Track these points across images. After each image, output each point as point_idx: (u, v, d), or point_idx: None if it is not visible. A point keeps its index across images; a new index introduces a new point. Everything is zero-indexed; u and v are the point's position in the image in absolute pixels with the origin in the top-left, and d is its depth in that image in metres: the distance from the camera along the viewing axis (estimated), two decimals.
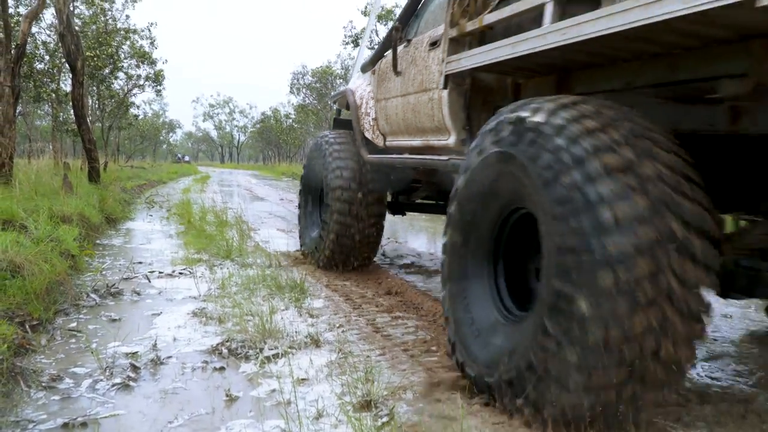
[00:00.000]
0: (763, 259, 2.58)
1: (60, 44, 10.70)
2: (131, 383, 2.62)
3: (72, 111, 11.84)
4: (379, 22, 16.54)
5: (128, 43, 21.95)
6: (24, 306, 3.31)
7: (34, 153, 20.86)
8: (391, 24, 4.52)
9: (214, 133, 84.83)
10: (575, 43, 2.23)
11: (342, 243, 5.03)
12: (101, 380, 2.63)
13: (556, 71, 2.95)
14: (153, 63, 24.59)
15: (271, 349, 3.03)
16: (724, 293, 2.55)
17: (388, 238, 7.20)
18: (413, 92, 4.09)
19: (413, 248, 6.97)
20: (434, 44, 3.77)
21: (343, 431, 2.21)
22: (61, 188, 7.50)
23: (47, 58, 17.65)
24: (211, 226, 7.25)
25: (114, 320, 3.54)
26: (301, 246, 5.90)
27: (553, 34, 2.34)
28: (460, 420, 2.19)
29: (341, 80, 34.06)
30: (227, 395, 2.52)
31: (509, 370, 2.26)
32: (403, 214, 5.88)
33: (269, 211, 10.82)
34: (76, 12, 17.31)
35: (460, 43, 3.29)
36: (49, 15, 17.38)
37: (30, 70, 16.37)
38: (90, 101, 21.33)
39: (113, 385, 2.59)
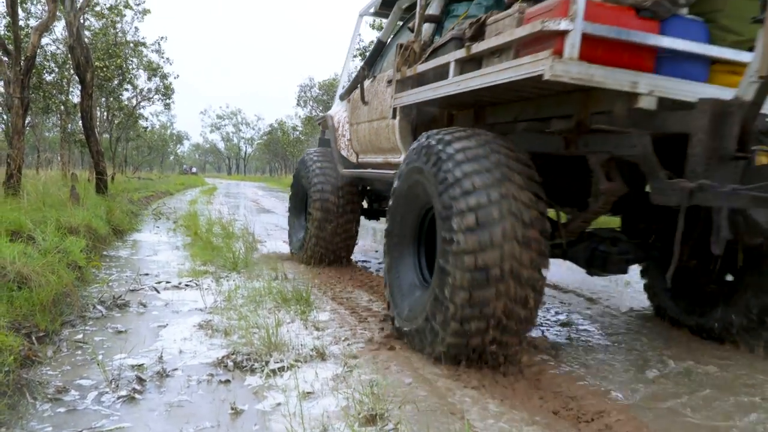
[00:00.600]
0: (612, 245, 3.78)
1: (69, 56, 10.79)
2: (137, 396, 2.62)
3: (80, 122, 11.92)
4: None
5: (137, 56, 22.11)
6: (31, 317, 3.32)
7: (42, 164, 21.01)
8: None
9: (221, 145, 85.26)
10: (468, 91, 3.24)
11: (321, 245, 5.96)
12: (107, 392, 2.63)
13: (472, 107, 4.00)
14: (164, 77, 24.78)
15: (277, 362, 3.03)
16: (589, 271, 3.88)
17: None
18: (376, 119, 5.04)
19: None
20: (389, 82, 4.57)
21: None
22: (69, 199, 7.53)
23: (56, 69, 17.79)
24: (217, 238, 7.26)
25: (120, 332, 3.55)
26: (289, 245, 6.82)
27: (452, 85, 3.39)
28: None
29: None
30: (233, 408, 2.52)
31: (418, 322, 3.26)
32: (378, 219, 6.71)
33: (276, 224, 10.83)
34: (86, 24, 17.45)
35: (403, 84, 4.19)
36: (59, 27, 17.57)
37: (39, 82, 16.51)
38: (98, 113, 21.47)
39: (119, 398, 2.58)
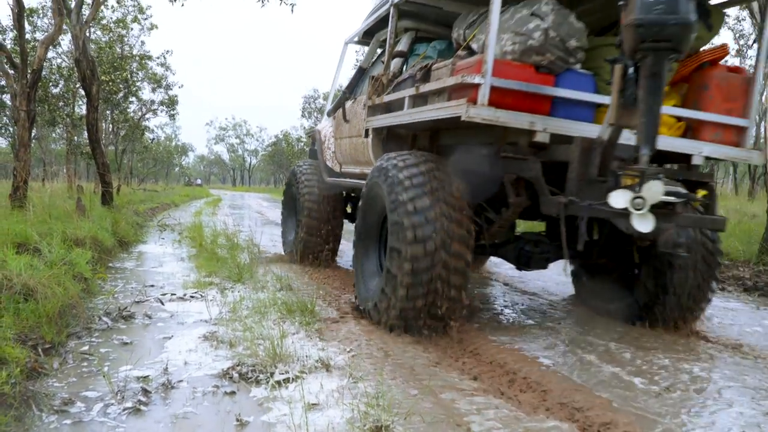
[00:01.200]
0: (535, 246, 4.67)
1: (75, 69, 10.86)
2: (142, 407, 2.62)
3: (86, 134, 11.99)
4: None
5: (143, 69, 22.22)
6: (37, 329, 3.32)
7: (48, 176, 21.11)
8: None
9: (226, 156, 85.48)
10: (421, 121, 4.12)
11: (308, 246, 6.76)
12: (112, 404, 2.63)
13: (429, 130, 4.72)
14: (168, 87, 24.90)
15: (282, 374, 3.03)
16: (517, 267, 4.84)
17: None
18: (355, 135, 5.72)
19: None
20: (365, 105, 5.26)
21: None
22: (75, 211, 7.56)
23: (62, 82, 17.90)
24: (222, 249, 7.27)
25: (126, 344, 3.55)
26: (283, 246, 7.74)
27: (407, 115, 4.27)
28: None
29: None
30: (238, 420, 2.52)
31: (374, 299, 4.13)
32: None
33: (281, 234, 10.83)
34: (93, 37, 17.57)
35: (374, 109, 5.02)
36: (65, 41, 17.69)
37: (45, 95, 16.61)
38: (104, 125, 21.58)
39: (124, 409, 2.59)
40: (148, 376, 3.00)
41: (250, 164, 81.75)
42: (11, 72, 8.86)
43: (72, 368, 3.08)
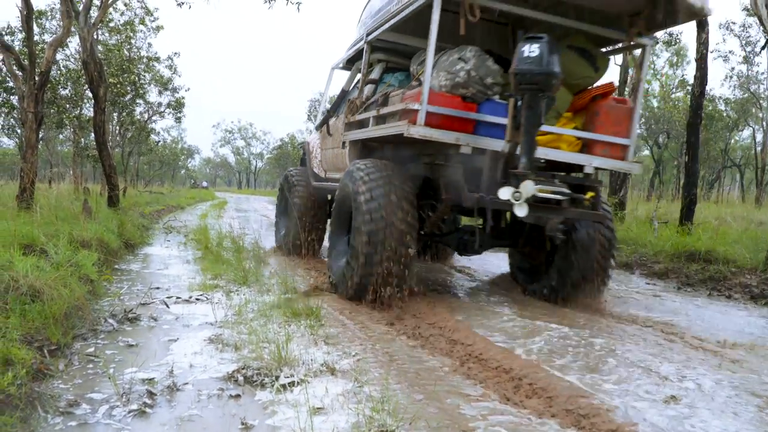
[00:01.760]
0: (472, 236, 5.73)
1: (83, 71, 10.90)
2: (147, 410, 2.62)
3: (93, 136, 12.02)
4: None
5: (150, 71, 22.29)
6: (43, 330, 3.33)
7: (55, 178, 21.18)
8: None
9: (231, 159, 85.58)
10: (380, 136, 5.25)
11: (297, 240, 7.62)
12: (118, 406, 2.64)
13: (392, 142, 5.70)
14: (175, 90, 24.96)
15: (287, 377, 3.02)
16: (457, 252, 6.07)
17: None
18: (336, 147, 6.85)
19: None
20: (344, 122, 6.38)
21: None
22: (81, 213, 7.58)
23: (70, 84, 17.96)
24: (227, 252, 7.27)
25: (131, 346, 3.56)
26: (275, 241, 8.81)
27: (371, 131, 5.38)
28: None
29: None
30: (243, 423, 2.52)
31: (341, 271, 5.18)
32: None
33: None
34: (101, 39, 17.64)
35: (350, 126, 6.18)
36: (73, 43, 17.77)
37: (53, 97, 16.67)
38: (111, 127, 21.65)
39: (130, 412, 2.59)
40: (153, 378, 3.00)
41: (255, 167, 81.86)
42: (19, 74, 8.90)
43: (77, 370, 3.09)
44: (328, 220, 7.58)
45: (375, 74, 6.25)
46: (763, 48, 17.81)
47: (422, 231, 5.58)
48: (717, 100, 27.44)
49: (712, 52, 23.65)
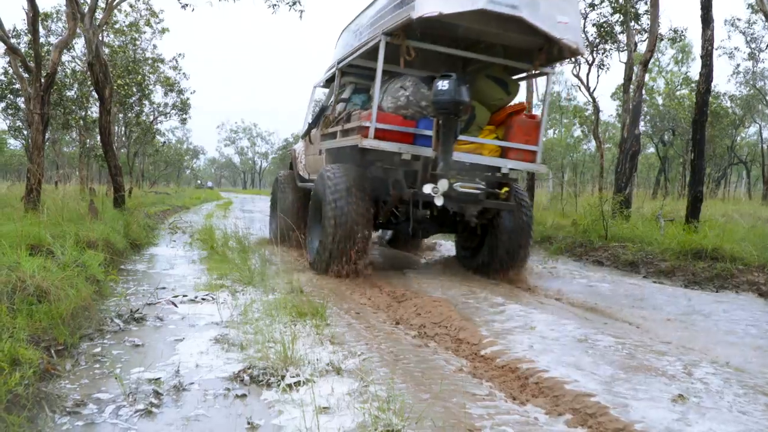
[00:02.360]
0: (420, 224, 6.81)
1: (89, 73, 10.93)
2: (154, 409, 2.63)
3: (99, 137, 12.06)
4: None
5: (155, 72, 22.35)
6: (50, 331, 3.34)
7: (61, 179, 21.24)
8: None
9: (236, 159, 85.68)
10: (344, 146, 6.72)
11: (285, 231, 8.54)
12: (124, 406, 2.64)
13: (354, 151, 6.61)
14: (181, 92, 25.02)
15: (293, 377, 3.02)
16: (412, 237, 8.41)
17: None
18: (316, 153, 8.21)
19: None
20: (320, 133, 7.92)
21: None
22: (87, 214, 7.60)
23: (76, 86, 18.03)
24: (233, 252, 7.28)
25: (137, 346, 3.56)
26: (269, 233, 10.01)
27: (338, 142, 6.86)
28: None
29: None
30: (249, 423, 2.52)
31: (316, 249, 6.49)
32: None
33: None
34: (106, 40, 17.69)
35: (325, 137, 7.57)
36: (79, 44, 17.82)
37: (60, 98, 16.73)
38: (116, 128, 21.70)
39: (136, 411, 2.59)
40: (159, 378, 3.00)
41: (260, 167, 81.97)
42: (26, 76, 8.95)
43: (84, 370, 3.10)
44: None
45: (346, 94, 7.51)
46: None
47: (379, 220, 6.87)
48: (722, 97, 27.33)
49: (717, 49, 23.53)
